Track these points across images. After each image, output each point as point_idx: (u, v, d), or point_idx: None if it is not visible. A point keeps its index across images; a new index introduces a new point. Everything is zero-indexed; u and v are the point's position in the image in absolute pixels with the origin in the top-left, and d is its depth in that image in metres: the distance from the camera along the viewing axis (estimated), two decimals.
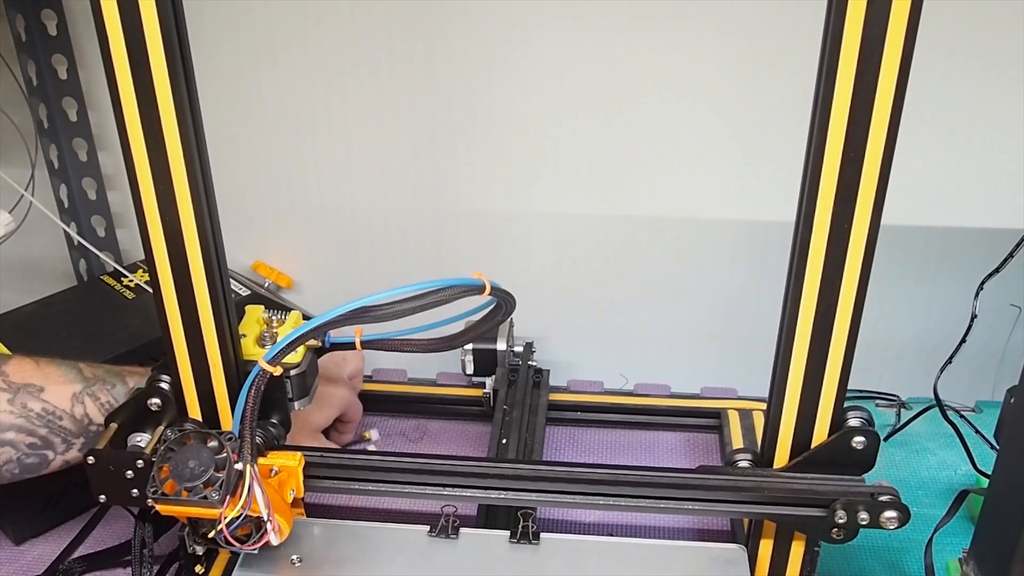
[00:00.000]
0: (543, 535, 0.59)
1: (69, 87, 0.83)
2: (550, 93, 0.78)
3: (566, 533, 0.61)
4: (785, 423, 0.54)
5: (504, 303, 0.57)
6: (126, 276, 0.83)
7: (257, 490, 0.53)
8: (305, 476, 0.58)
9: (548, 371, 0.83)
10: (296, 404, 0.60)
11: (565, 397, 0.82)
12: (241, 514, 0.53)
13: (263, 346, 0.59)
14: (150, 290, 0.54)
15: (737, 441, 0.75)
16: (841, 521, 0.54)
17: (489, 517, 0.67)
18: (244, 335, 0.59)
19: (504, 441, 0.72)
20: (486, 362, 0.78)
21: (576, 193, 0.82)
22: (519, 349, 0.80)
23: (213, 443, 0.54)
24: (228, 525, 0.53)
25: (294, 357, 0.59)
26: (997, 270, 0.67)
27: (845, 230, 0.48)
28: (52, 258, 0.93)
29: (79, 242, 0.87)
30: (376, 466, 0.58)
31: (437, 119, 0.80)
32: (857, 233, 0.48)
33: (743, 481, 0.56)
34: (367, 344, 0.60)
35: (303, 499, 0.60)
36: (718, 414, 0.79)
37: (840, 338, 0.51)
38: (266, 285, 0.90)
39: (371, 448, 0.78)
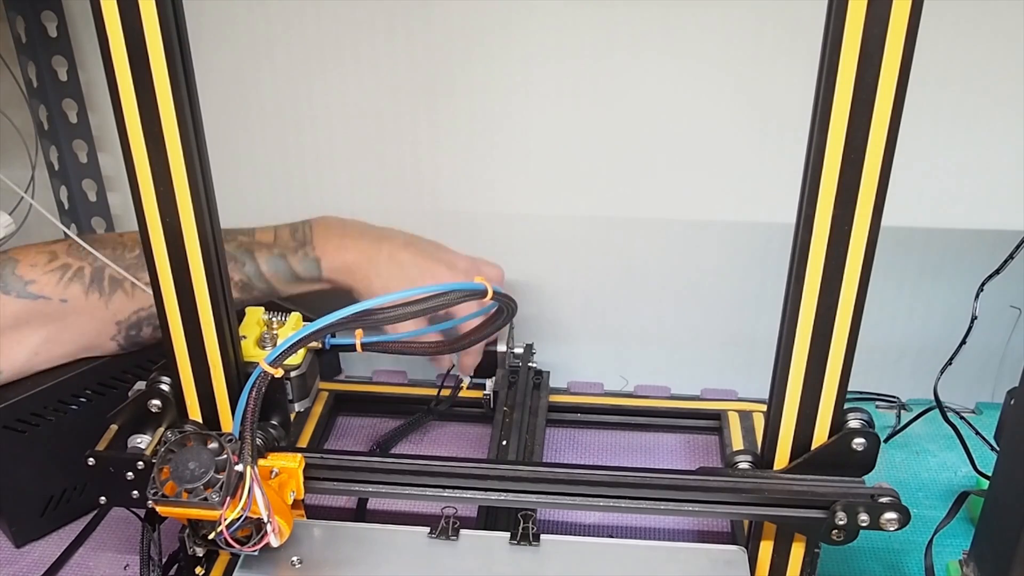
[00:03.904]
0: (543, 536, 0.59)
1: (69, 88, 0.83)
2: (550, 95, 0.78)
3: (566, 535, 0.61)
4: (785, 425, 0.54)
5: (506, 307, 0.57)
6: None
7: (257, 492, 0.53)
8: (305, 478, 0.58)
9: (548, 373, 0.83)
10: (296, 406, 0.60)
11: (565, 399, 0.82)
12: (241, 516, 0.53)
13: (263, 348, 0.59)
14: (150, 291, 0.54)
15: (737, 443, 0.75)
16: (841, 523, 0.54)
17: (489, 518, 0.67)
18: (244, 337, 0.59)
19: (504, 443, 0.72)
20: (486, 364, 0.78)
21: (577, 195, 0.82)
22: (519, 350, 0.80)
23: (213, 444, 0.54)
24: (228, 527, 0.53)
25: (295, 359, 0.59)
26: (997, 271, 0.68)
27: (845, 232, 0.48)
28: None
29: (78, 242, 0.86)
30: (376, 467, 0.58)
31: (438, 120, 0.80)
32: (857, 234, 0.48)
33: (743, 483, 0.56)
34: (368, 346, 0.60)
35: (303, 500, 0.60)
36: (718, 415, 0.79)
37: (840, 339, 0.51)
38: None
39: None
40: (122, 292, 0.67)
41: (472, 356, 0.78)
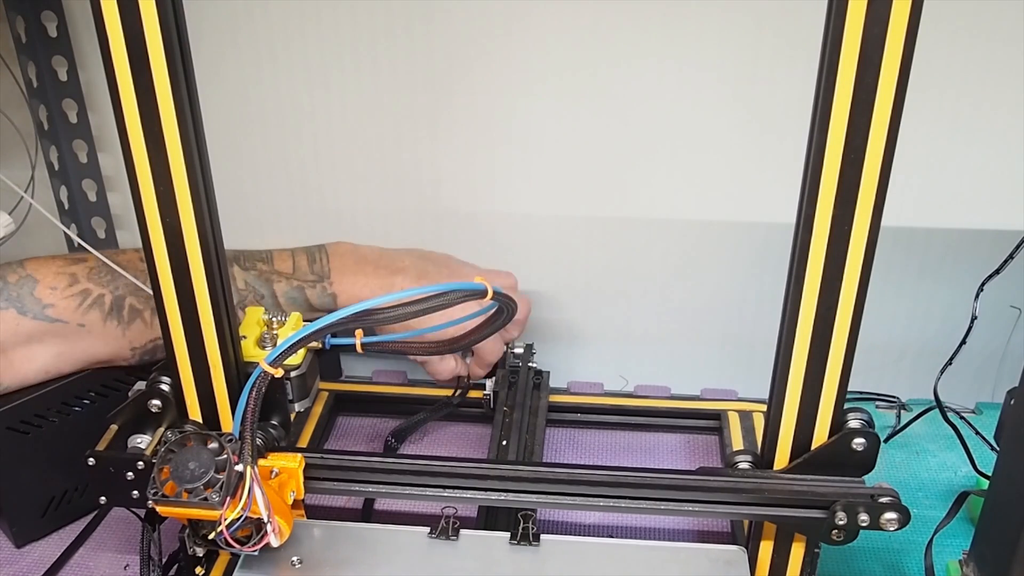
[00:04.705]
0: (543, 536, 0.59)
1: (69, 88, 0.83)
2: (550, 95, 0.78)
3: (566, 535, 0.61)
4: (785, 425, 0.54)
5: (505, 307, 0.57)
6: None
7: (257, 491, 0.53)
8: (305, 478, 0.58)
9: (548, 373, 0.83)
10: (296, 406, 0.60)
11: (565, 399, 0.82)
12: (241, 515, 0.53)
13: (263, 348, 0.59)
14: (150, 291, 0.55)
15: (737, 443, 0.75)
16: (841, 523, 0.54)
17: (489, 518, 0.67)
18: (244, 336, 0.59)
19: (504, 443, 0.72)
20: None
21: (577, 195, 0.82)
22: (519, 351, 0.80)
23: (213, 444, 0.54)
24: (228, 527, 0.53)
25: (295, 359, 0.59)
26: (997, 271, 0.67)
27: (845, 231, 0.48)
28: None
29: (79, 244, 0.86)
30: (376, 467, 0.58)
31: (438, 120, 0.80)
32: (857, 234, 0.48)
33: (743, 483, 0.56)
34: (368, 346, 0.60)
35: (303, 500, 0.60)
36: (718, 415, 0.79)
37: (840, 339, 0.51)
38: None
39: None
40: (141, 321, 0.67)
41: (486, 359, 0.78)
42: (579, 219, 0.83)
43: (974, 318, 0.70)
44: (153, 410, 0.58)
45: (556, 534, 0.59)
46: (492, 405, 0.78)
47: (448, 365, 0.79)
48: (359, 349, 0.59)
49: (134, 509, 0.66)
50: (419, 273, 0.76)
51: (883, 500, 0.54)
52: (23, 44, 0.81)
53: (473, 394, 0.80)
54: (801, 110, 0.47)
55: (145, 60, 0.47)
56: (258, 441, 0.56)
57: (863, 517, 0.53)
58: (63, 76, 0.82)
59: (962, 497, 0.65)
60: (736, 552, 0.58)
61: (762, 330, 0.84)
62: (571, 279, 0.86)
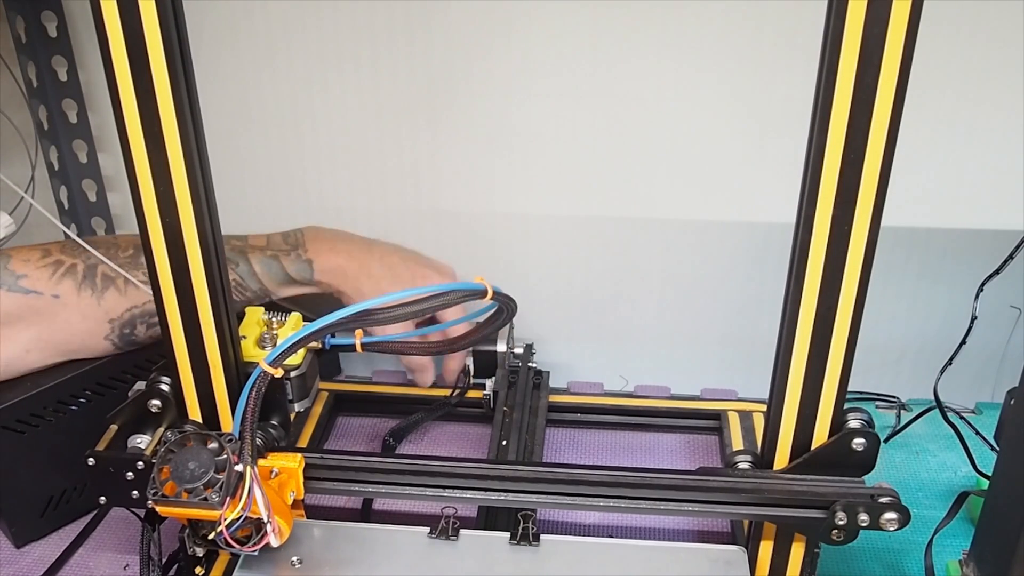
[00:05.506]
0: (543, 536, 0.59)
1: (69, 89, 0.83)
2: (550, 96, 0.78)
3: (566, 535, 0.61)
4: (785, 425, 0.54)
5: (505, 307, 0.57)
6: None
7: (257, 492, 0.53)
8: (305, 478, 0.58)
9: (548, 373, 0.83)
10: (296, 406, 0.60)
11: (565, 399, 0.82)
12: (241, 516, 0.53)
13: (263, 348, 0.59)
14: (150, 291, 0.55)
15: (737, 443, 0.75)
16: (841, 523, 0.54)
17: (489, 518, 0.67)
18: (244, 337, 0.59)
19: (504, 443, 0.72)
20: (486, 364, 0.78)
21: (577, 195, 0.82)
22: (519, 351, 0.80)
23: (213, 445, 0.54)
24: (228, 527, 0.53)
25: (295, 359, 0.59)
26: (997, 271, 0.68)
27: (845, 232, 0.48)
28: None
29: (79, 243, 0.86)
30: (376, 468, 0.58)
31: (438, 121, 0.80)
32: (857, 234, 0.48)
33: (743, 483, 0.56)
34: (368, 346, 0.60)
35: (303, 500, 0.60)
36: (718, 416, 0.79)
37: (840, 339, 0.51)
38: None
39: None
40: (115, 289, 0.67)
41: (457, 361, 0.79)
42: (579, 219, 0.83)
43: (974, 318, 0.70)
44: (153, 410, 0.58)
45: (556, 534, 0.59)
46: (492, 405, 0.78)
47: (459, 362, 0.80)
48: (359, 349, 0.59)
49: (134, 509, 0.66)
50: (395, 247, 0.78)
51: (883, 500, 0.54)
52: (23, 44, 0.81)
53: (473, 394, 0.80)
54: (801, 110, 0.47)
55: (145, 60, 0.47)
56: (258, 441, 0.56)
57: (863, 517, 0.53)
58: (63, 76, 0.82)
59: (962, 497, 0.65)
60: (736, 552, 0.58)
61: (762, 330, 0.84)
62: (571, 279, 0.86)
